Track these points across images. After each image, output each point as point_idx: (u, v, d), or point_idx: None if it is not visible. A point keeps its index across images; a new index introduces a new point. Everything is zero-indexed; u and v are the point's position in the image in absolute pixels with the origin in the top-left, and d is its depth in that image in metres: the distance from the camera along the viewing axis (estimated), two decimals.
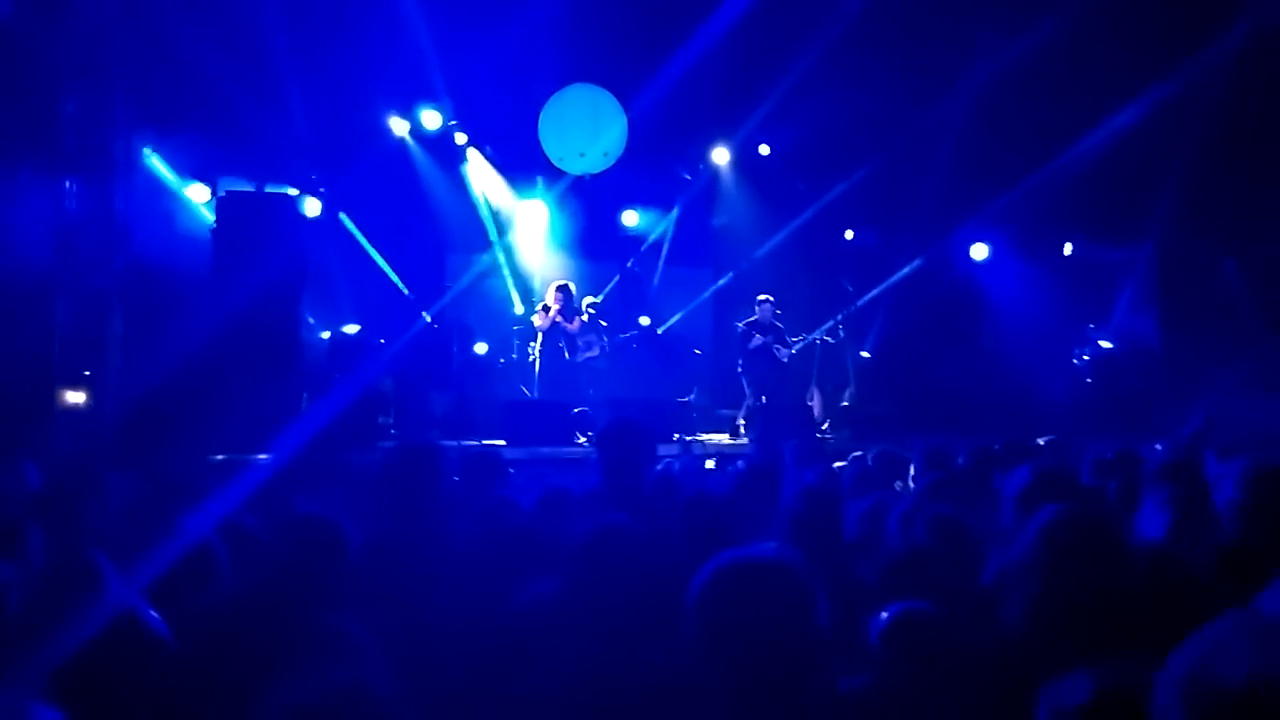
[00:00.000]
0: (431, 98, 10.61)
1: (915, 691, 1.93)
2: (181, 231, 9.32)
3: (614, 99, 10.57)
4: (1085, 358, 11.15)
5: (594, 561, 2.28)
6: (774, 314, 10.15)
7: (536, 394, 9.98)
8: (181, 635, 2.18)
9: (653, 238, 12.08)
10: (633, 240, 12.14)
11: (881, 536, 3.05)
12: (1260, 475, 2.44)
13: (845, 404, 11.17)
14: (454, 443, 7.51)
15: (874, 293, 11.92)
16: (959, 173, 11.00)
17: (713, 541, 2.00)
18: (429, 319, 10.24)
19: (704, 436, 9.80)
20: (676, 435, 8.98)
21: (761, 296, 10.21)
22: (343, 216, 10.52)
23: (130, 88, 8.17)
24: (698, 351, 11.60)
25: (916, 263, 11.87)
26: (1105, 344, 11.19)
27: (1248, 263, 10.16)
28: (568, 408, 9.01)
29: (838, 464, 5.11)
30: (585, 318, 10.10)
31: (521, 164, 11.33)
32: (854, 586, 2.59)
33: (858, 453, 5.08)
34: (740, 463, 4.34)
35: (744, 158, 11.91)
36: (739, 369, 10.21)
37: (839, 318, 11.26)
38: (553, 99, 10.53)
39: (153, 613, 2.15)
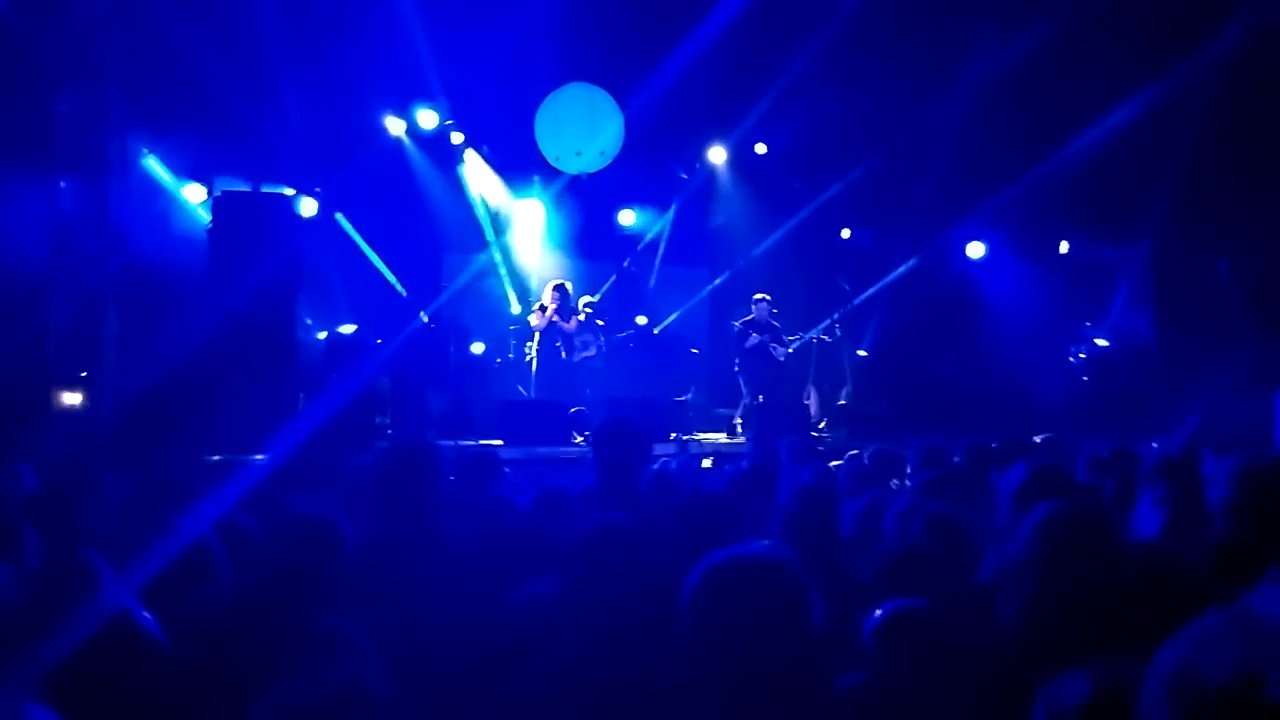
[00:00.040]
0: (428, 97, 10.60)
1: (910, 688, 1.93)
2: (177, 231, 9.30)
3: (610, 98, 10.57)
4: (1081, 356, 11.16)
5: (591, 560, 2.28)
6: (770, 313, 10.16)
7: (533, 394, 9.97)
8: (178, 635, 2.17)
9: (649, 237, 12.08)
10: (629, 239, 12.14)
11: (878, 535, 3.05)
12: (1250, 474, 2.45)
13: (842, 403, 11.18)
14: (451, 442, 7.50)
15: (870, 291, 11.93)
16: (955, 171, 11.01)
17: (709, 540, 2.00)
18: (426, 319, 10.24)
19: (701, 435, 9.80)
20: (674, 434, 8.98)
21: (758, 295, 10.21)
22: (339, 216, 10.50)
23: (126, 87, 8.14)
24: (694, 351, 11.60)
25: (913, 261, 11.88)
26: (1101, 342, 11.20)
27: (1241, 262, 10.18)
28: (564, 407, 9.01)
29: (834, 463, 5.11)
30: (582, 317, 10.10)
31: (518, 163, 11.32)
32: (850, 585, 2.59)
33: (854, 451, 5.09)
34: (745, 463, 4.34)
35: (740, 157, 11.91)
36: (736, 368, 10.21)
37: (835, 317, 11.26)
38: (549, 98, 10.52)
39: (146, 614, 2.15)
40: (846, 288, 11.70)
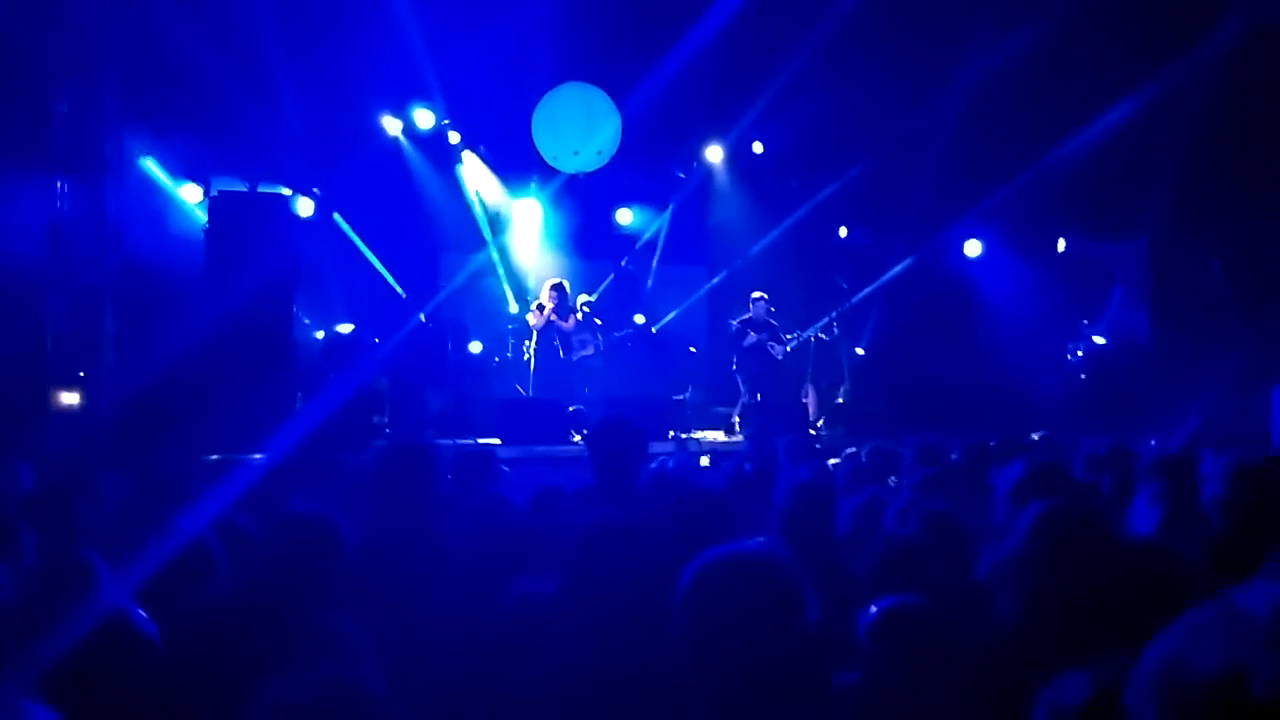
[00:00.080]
0: (425, 97, 10.60)
1: (906, 685, 1.93)
2: (174, 231, 9.29)
3: (608, 97, 10.56)
4: (1079, 354, 11.17)
5: (589, 558, 2.28)
6: (768, 311, 10.16)
7: (531, 393, 9.97)
8: (177, 634, 2.18)
9: (647, 236, 12.08)
10: (627, 238, 12.14)
11: (875, 532, 3.05)
12: (1244, 471, 2.46)
13: (840, 401, 11.19)
14: (449, 441, 7.50)
15: (868, 290, 11.93)
16: (952, 169, 11.02)
17: (706, 538, 2.00)
18: (423, 318, 10.23)
19: (699, 434, 9.80)
20: (672, 433, 8.99)
21: (756, 294, 10.21)
22: (336, 216, 10.50)
23: (122, 87, 8.14)
24: (692, 349, 11.60)
25: (910, 260, 11.88)
26: (1099, 340, 11.21)
27: (1236, 259, 10.19)
28: (563, 406, 9.01)
29: (832, 461, 5.12)
30: (580, 316, 10.10)
31: (515, 163, 11.31)
32: (846, 582, 2.60)
33: (852, 449, 5.09)
34: (747, 466, 4.34)
35: (738, 156, 11.91)
36: (734, 366, 10.22)
37: (833, 315, 11.27)
38: (546, 97, 10.52)
39: (141, 612, 2.15)
40: (844, 286, 11.71)
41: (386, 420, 8.87)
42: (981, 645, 2.08)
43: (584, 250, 11.85)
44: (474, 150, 11.30)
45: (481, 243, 11.39)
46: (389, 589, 2.61)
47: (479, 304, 11.33)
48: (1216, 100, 9.69)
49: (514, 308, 11.26)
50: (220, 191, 9.22)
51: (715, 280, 12.21)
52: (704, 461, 7.41)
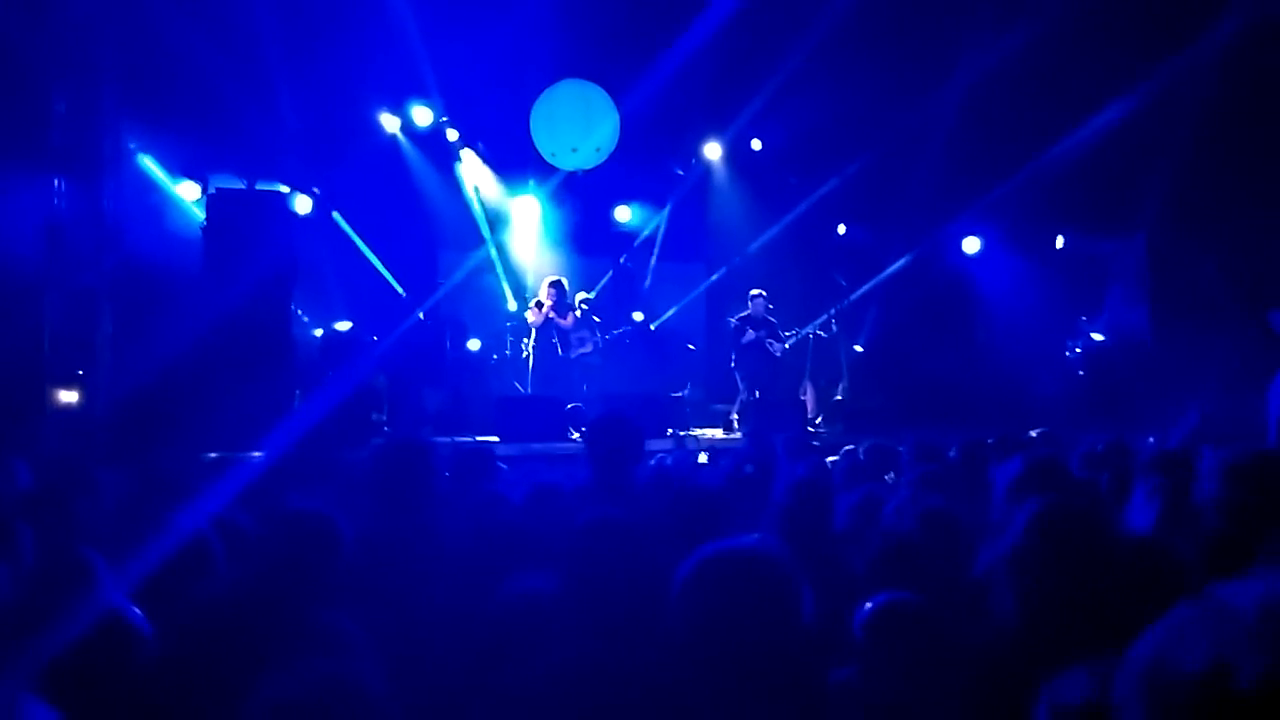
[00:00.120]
0: (423, 94, 10.59)
1: (899, 681, 1.94)
2: (172, 229, 9.29)
3: (606, 94, 10.56)
4: (1077, 350, 11.18)
5: (587, 555, 2.28)
6: (767, 309, 10.16)
7: (530, 390, 9.98)
8: (176, 631, 2.18)
9: (645, 233, 12.07)
10: (625, 236, 12.14)
11: (872, 529, 3.06)
12: (1236, 468, 2.47)
13: (838, 398, 11.19)
14: (447, 439, 7.50)
15: (867, 287, 11.93)
16: (951, 166, 11.02)
17: (703, 535, 2.00)
18: (422, 316, 10.23)
19: (697, 431, 9.81)
20: (670, 430, 8.99)
21: (754, 291, 10.22)
22: (334, 214, 10.49)
23: (120, 85, 8.14)
24: (691, 347, 11.60)
25: (909, 257, 11.89)
26: (1097, 337, 11.22)
27: (1235, 256, 10.19)
28: (561, 403, 9.01)
29: (830, 458, 5.12)
30: (578, 313, 10.10)
31: (514, 160, 11.31)
32: (844, 579, 2.60)
33: (850, 446, 5.09)
34: (748, 468, 4.34)
35: (736, 153, 11.91)
36: (732, 364, 10.22)
37: (832, 312, 11.27)
38: (545, 94, 10.52)
39: (136, 610, 2.15)
40: (843, 283, 11.71)
41: (385, 418, 8.87)
42: (978, 641, 2.08)
43: (582, 247, 11.84)
44: (472, 147, 11.30)
45: (480, 240, 11.39)
46: (387, 586, 2.62)
47: (477, 301, 11.33)
48: (1214, 97, 9.69)
49: (512, 305, 11.25)
50: (218, 189, 9.22)
51: (714, 277, 12.21)
52: (702, 459, 7.41)
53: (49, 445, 6.83)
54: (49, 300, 7.35)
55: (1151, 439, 5.82)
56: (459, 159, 11.25)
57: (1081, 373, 11.06)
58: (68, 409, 7.39)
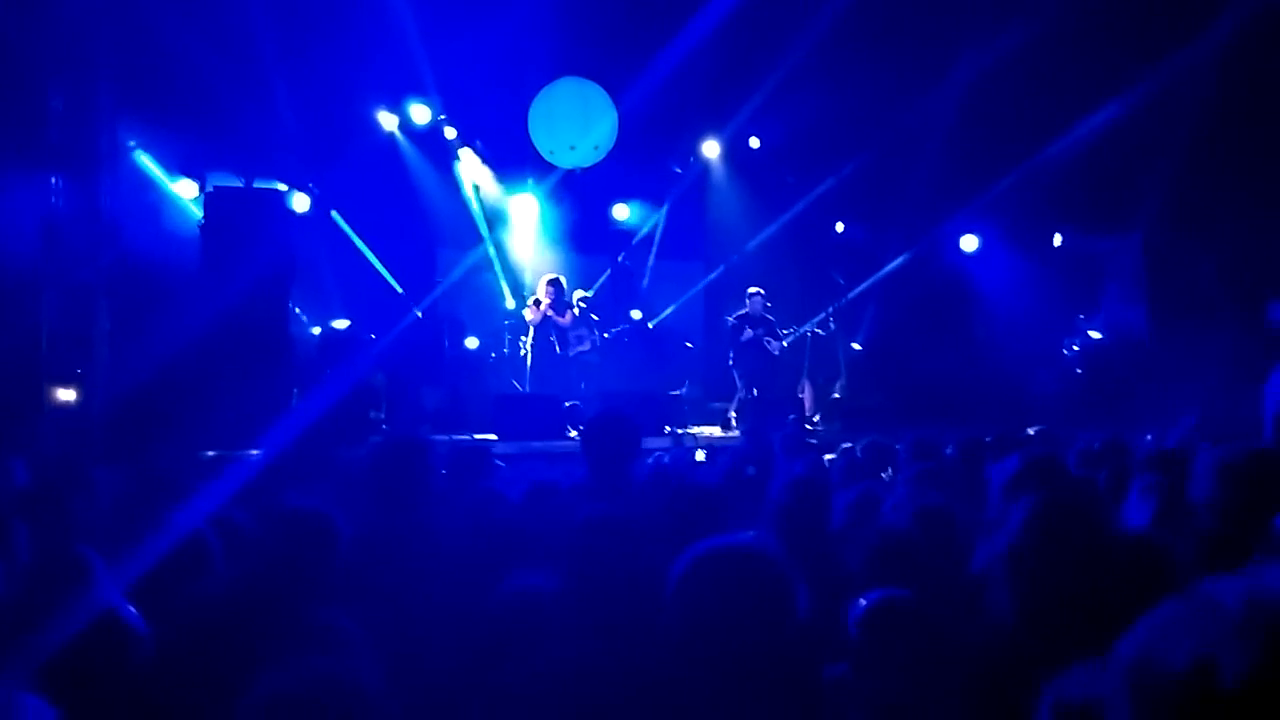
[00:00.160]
0: (421, 92, 10.58)
1: (895, 678, 1.94)
2: (169, 227, 9.28)
3: (604, 92, 10.56)
4: (1075, 348, 11.19)
5: (585, 554, 2.28)
6: (765, 307, 10.17)
7: (528, 388, 9.97)
8: (173, 629, 2.18)
9: (644, 231, 12.07)
10: (624, 234, 12.13)
11: (869, 526, 3.06)
12: (1229, 466, 2.47)
13: (836, 396, 11.20)
14: (445, 437, 7.51)
15: (865, 285, 11.94)
16: (949, 165, 11.02)
17: (700, 532, 2.00)
18: (420, 314, 10.23)
19: (695, 429, 9.81)
20: (668, 428, 8.99)
21: (752, 289, 10.22)
22: (332, 212, 10.48)
23: (117, 82, 8.12)
24: (689, 345, 11.60)
25: (907, 255, 11.89)
26: (1095, 335, 11.23)
27: (1230, 255, 10.20)
28: (559, 401, 9.01)
29: (828, 456, 5.12)
30: (576, 311, 10.10)
31: (512, 158, 11.30)
32: (841, 576, 2.60)
33: (847, 444, 5.10)
34: (750, 469, 4.35)
35: (734, 151, 11.91)
36: (730, 362, 10.22)
37: (830, 310, 11.28)
38: (543, 92, 10.51)
39: (131, 608, 2.15)
40: (841, 281, 11.72)
41: (383, 416, 8.87)
42: (974, 639, 2.08)
43: (581, 245, 11.84)
44: (470, 145, 11.28)
45: (478, 238, 11.39)
46: (384, 584, 2.62)
47: (475, 300, 11.32)
48: (1212, 97, 9.70)
49: (510, 303, 11.25)
50: (216, 187, 9.21)
51: (712, 276, 12.21)
52: (700, 456, 7.41)
53: (46, 443, 6.83)
54: (46, 298, 7.35)
55: (1149, 437, 5.82)
56: (457, 157, 11.24)
57: (1079, 371, 11.08)
58: (65, 407, 7.39)
